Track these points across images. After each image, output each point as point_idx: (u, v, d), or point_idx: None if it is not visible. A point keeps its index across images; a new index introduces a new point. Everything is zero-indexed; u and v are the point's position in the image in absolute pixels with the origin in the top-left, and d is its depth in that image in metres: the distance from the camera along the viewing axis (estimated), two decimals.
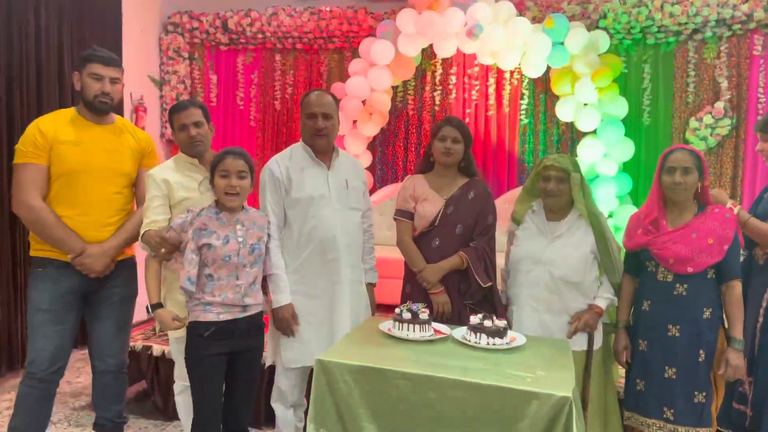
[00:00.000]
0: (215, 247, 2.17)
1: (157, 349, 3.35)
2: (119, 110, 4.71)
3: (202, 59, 5.70)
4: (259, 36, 5.56)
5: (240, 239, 2.22)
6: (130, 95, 5.00)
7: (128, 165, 2.57)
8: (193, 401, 2.23)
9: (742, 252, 2.41)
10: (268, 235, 2.37)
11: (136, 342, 3.42)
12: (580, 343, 2.45)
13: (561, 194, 2.47)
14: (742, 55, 4.81)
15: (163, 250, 2.24)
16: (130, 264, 2.67)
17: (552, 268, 2.44)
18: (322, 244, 2.49)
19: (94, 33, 4.46)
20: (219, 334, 2.18)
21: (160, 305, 2.25)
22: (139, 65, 5.20)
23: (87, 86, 2.46)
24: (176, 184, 2.43)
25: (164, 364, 3.34)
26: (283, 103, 5.68)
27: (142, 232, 2.38)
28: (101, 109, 2.49)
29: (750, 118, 4.79)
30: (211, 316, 2.19)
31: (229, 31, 5.57)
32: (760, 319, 2.41)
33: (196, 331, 2.19)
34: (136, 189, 2.63)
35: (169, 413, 3.32)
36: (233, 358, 2.25)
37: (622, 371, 2.60)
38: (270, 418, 3.17)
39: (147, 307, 2.26)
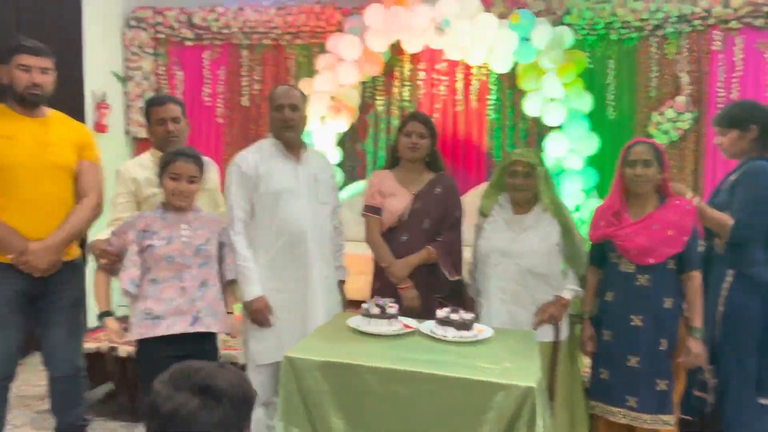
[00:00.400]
0: (156, 247, 2.13)
1: (123, 350, 3.30)
2: (80, 106, 4.61)
3: (167, 55, 5.60)
4: (225, 31, 5.49)
5: (185, 239, 2.18)
6: (93, 92, 4.89)
7: (67, 158, 2.47)
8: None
9: (701, 243, 2.48)
10: (220, 240, 2.33)
11: (102, 343, 3.36)
12: (546, 334, 2.48)
13: (528, 188, 2.51)
14: (702, 50, 4.92)
15: (103, 260, 2.19)
16: (78, 266, 2.59)
17: (519, 260, 2.48)
18: (291, 238, 2.48)
19: (53, 28, 4.34)
20: (170, 344, 2.16)
21: (108, 314, 2.20)
22: (102, 61, 5.09)
23: (16, 78, 2.36)
24: (144, 180, 2.40)
25: (131, 364, 3.28)
26: (251, 99, 5.62)
27: (108, 228, 2.34)
28: (32, 101, 2.39)
29: (710, 112, 4.90)
30: (160, 329, 2.14)
31: (194, 27, 5.49)
32: (720, 308, 2.48)
33: (147, 351, 2.17)
34: (76, 182, 2.52)
35: (137, 414, 3.27)
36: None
37: (588, 361, 2.64)
38: None
39: (97, 315, 2.21)
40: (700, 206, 2.44)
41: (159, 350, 2.15)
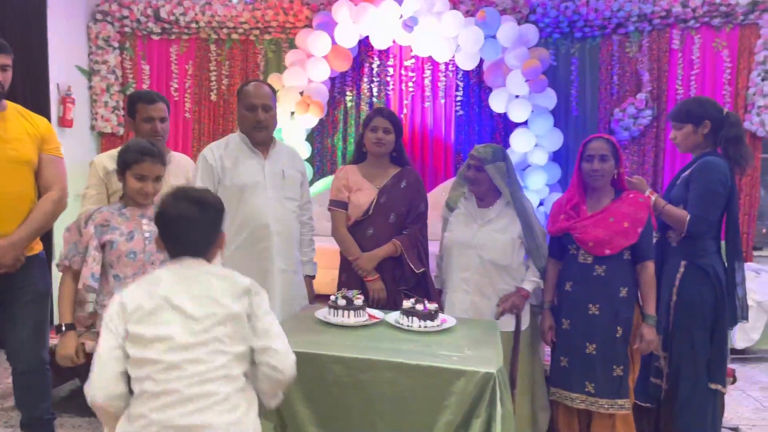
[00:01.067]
0: (117, 243, 2.11)
1: (89, 345, 3.26)
2: (46, 101, 4.54)
3: (134, 49, 5.54)
4: (193, 26, 5.46)
5: (147, 234, 2.16)
6: (57, 86, 4.82)
7: (28, 152, 2.43)
8: None
9: (654, 234, 2.58)
10: None
11: None
12: (508, 324, 2.56)
13: (478, 182, 2.59)
14: (662, 48, 5.08)
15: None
16: (41, 260, 2.56)
17: (482, 251, 2.55)
18: (254, 232, 2.50)
19: (16, 21, 4.26)
20: None
21: (71, 327, 2.16)
22: (66, 55, 5.01)
23: None
24: (114, 173, 2.38)
25: None
26: (219, 94, 5.60)
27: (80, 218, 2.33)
28: None
29: (669, 108, 5.05)
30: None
31: (161, 21, 5.44)
32: (674, 297, 2.57)
33: None
34: (38, 177, 2.49)
35: None
36: None
37: (548, 350, 2.73)
38: None
39: (57, 326, 2.16)
40: (657, 202, 2.54)
41: None
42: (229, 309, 1.53)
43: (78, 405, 3.40)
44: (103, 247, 2.12)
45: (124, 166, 2.16)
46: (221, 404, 1.47)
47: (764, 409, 3.64)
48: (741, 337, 4.35)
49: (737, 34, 4.93)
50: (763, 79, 4.76)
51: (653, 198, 2.52)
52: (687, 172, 2.63)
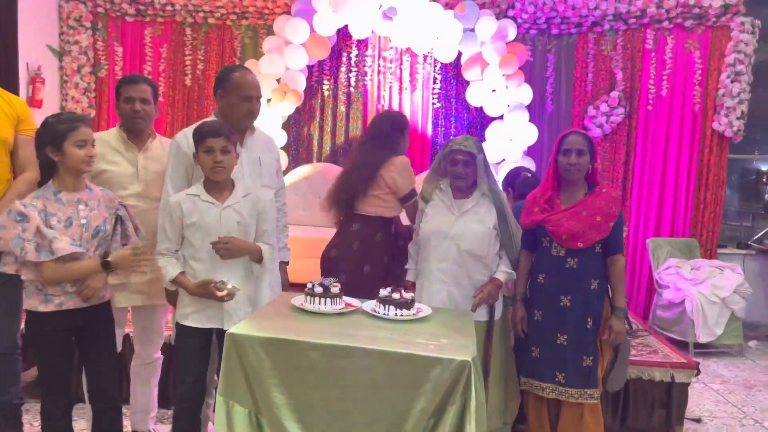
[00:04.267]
0: (57, 230, 2.06)
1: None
2: (15, 80, 4.42)
3: (107, 30, 5.41)
4: (168, 8, 5.36)
5: (83, 221, 2.13)
6: (27, 65, 4.70)
7: (3, 131, 2.40)
8: (40, 377, 2.24)
9: (625, 229, 2.63)
10: (117, 215, 2.26)
11: None
12: (481, 314, 2.59)
13: (468, 177, 2.60)
14: (635, 48, 5.17)
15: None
16: None
17: (459, 242, 2.57)
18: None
19: None
20: (61, 320, 2.14)
21: (107, 264, 2.14)
22: (37, 34, 4.88)
23: None
24: (97, 156, 2.33)
25: None
26: (194, 79, 5.52)
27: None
28: None
29: (641, 107, 5.17)
30: (51, 306, 2.11)
31: (135, 2, 5.33)
32: None
33: (36, 322, 2.14)
34: (14, 157, 2.46)
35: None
36: (80, 334, 2.22)
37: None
38: None
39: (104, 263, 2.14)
40: None
41: (49, 322, 2.13)
42: None
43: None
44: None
45: (62, 137, 2.09)
46: None
47: (725, 401, 3.76)
48: (704, 332, 4.47)
49: (709, 35, 5.04)
50: (732, 81, 4.89)
51: None
52: None
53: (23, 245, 2.01)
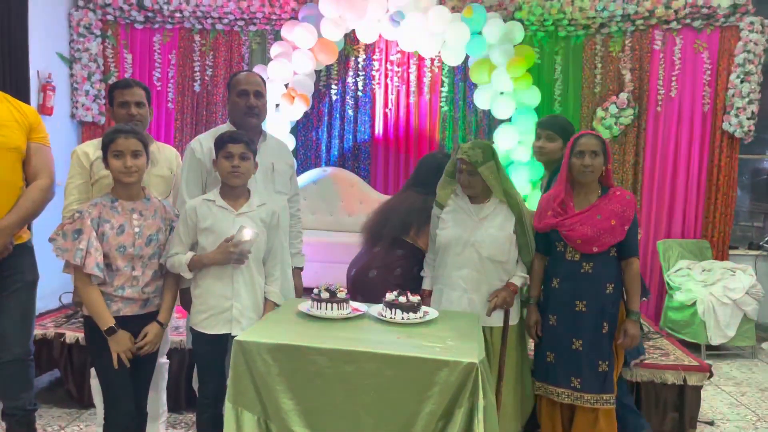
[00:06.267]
0: (108, 236, 2.12)
1: (70, 336, 3.25)
2: (26, 88, 4.46)
3: (116, 37, 5.46)
4: (177, 15, 5.39)
5: (136, 229, 2.17)
6: (37, 73, 4.74)
7: (16, 139, 2.40)
8: (101, 387, 2.23)
9: (639, 231, 2.61)
10: (172, 227, 2.30)
11: (48, 330, 3.31)
12: (497, 319, 2.56)
13: (473, 186, 2.55)
14: (644, 49, 5.14)
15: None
16: (28, 248, 2.53)
17: (480, 248, 2.52)
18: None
19: None
20: (119, 324, 2.16)
21: (113, 330, 2.13)
22: (47, 42, 4.93)
23: None
24: (98, 161, 2.36)
25: (78, 351, 3.24)
26: (203, 85, 5.55)
27: (63, 214, 2.31)
28: None
29: (650, 108, 5.14)
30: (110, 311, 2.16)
31: (144, 9, 5.37)
32: None
33: (96, 329, 2.16)
34: (26, 165, 2.46)
35: (84, 401, 3.24)
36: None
37: (532, 345, 2.73)
38: (191, 402, 3.16)
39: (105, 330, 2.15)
40: None
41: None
42: None
43: (58, 396, 3.38)
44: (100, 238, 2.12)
45: (105, 150, 2.16)
46: None
47: (738, 404, 3.72)
48: (716, 333, 4.43)
49: (718, 36, 5.01)
50: (741, 81, 4.85)
51: None
52: (546, 179, 2.86)
53: (83, 256, 2.07)
